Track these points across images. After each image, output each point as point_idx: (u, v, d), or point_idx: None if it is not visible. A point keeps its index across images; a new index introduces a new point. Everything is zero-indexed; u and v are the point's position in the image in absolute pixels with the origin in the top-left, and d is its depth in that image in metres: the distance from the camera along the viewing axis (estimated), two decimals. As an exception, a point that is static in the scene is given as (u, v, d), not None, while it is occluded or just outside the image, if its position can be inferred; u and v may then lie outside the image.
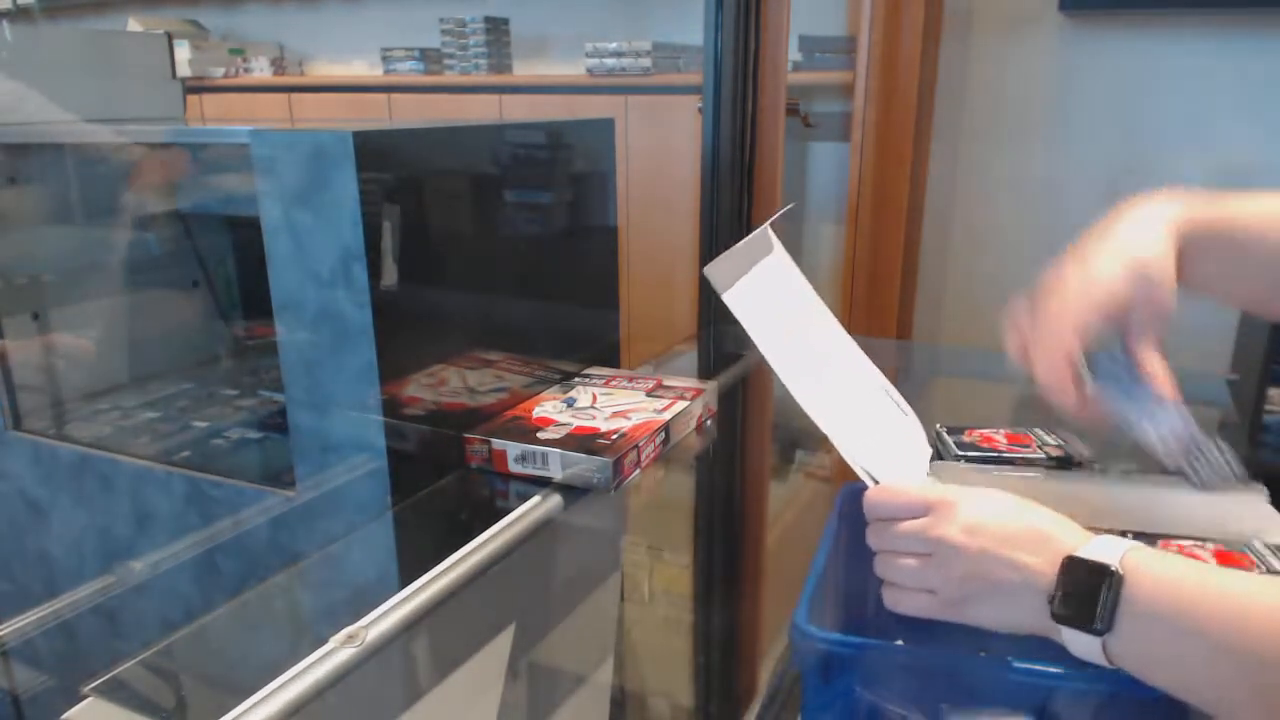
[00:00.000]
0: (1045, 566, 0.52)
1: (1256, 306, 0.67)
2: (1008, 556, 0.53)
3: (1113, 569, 0.49)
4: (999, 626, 0.56)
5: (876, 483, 0.62)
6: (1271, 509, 0.67)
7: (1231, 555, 0.62)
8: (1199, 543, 0.63)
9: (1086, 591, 0.50)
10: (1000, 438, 0.87)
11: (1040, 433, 0.88)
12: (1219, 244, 0.63)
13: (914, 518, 0.58)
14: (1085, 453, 0.82)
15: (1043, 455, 0.82)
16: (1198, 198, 0.64)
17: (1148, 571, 0.49)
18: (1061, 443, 0.85)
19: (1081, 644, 0.51)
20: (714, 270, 0.64)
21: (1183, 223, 0.62)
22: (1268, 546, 0.62)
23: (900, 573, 0.59)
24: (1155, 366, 0.62)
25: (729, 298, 0.64)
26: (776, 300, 0.69)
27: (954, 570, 0.55)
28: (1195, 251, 0.62)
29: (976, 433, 0.88)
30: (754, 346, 0.66)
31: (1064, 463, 0.81)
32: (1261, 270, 0.62)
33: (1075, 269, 0.62)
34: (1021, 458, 0.82)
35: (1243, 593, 0.48)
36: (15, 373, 1.16)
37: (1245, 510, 0.66)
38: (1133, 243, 0.62)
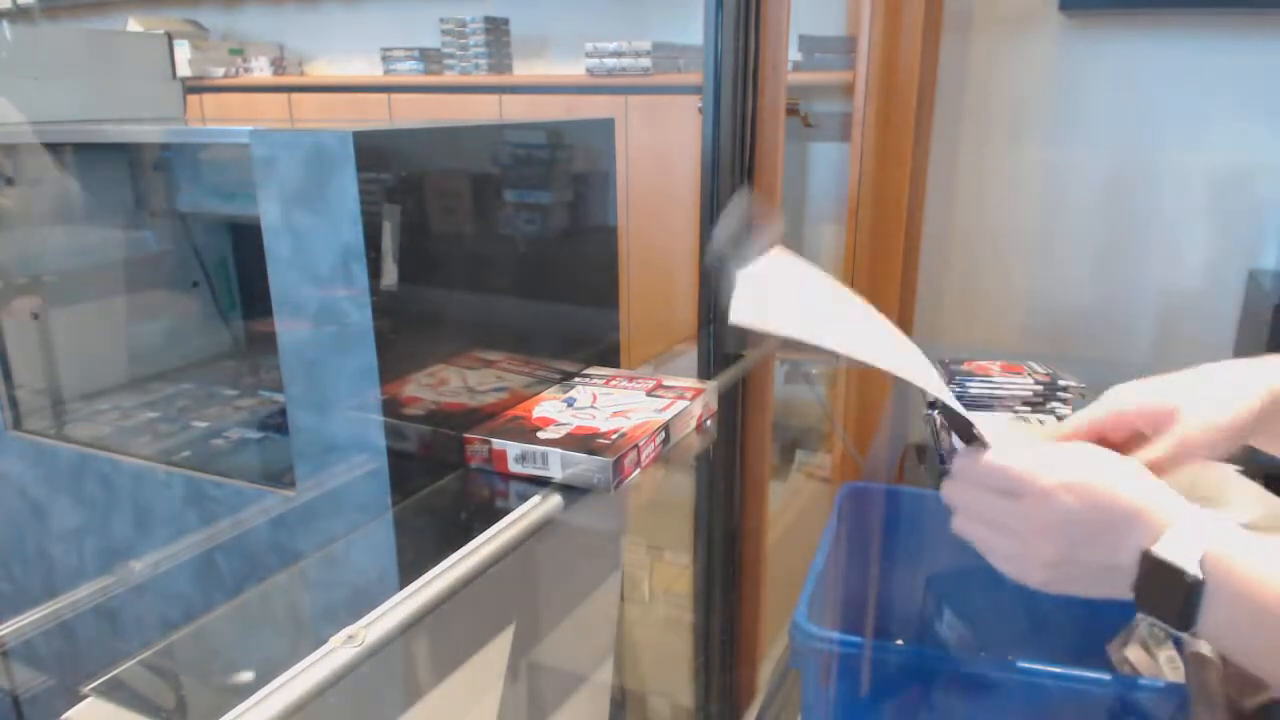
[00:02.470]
0: (1128, 556, 0.51)
1: None
2: (1095, 546, 0.53)
3: (1190, 576, 0.48)
4: (1087, 596, 0.55)
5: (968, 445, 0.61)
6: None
7: None
8: None
9: (1165, 591, 0.49)
10: (995, 368, 0.94)
11: (1034, 365, 0.96)
12: None
13: (1008, 493, 0.57)
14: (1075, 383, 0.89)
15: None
16: None
17: (1231, 573, 0.48)
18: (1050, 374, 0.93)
19: (1168, 629, 0.52)
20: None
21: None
22: None
23: (984, 541, 0.59)
24: None
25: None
26: (790, 298, 0.66)
27: (1039, 555, 0.55)
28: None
29: (974, 364, 0.96)
30: (759, 345, 0.66)
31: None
32: None
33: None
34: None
35: None
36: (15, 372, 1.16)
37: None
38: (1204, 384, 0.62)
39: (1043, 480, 0.55)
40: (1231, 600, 0.48)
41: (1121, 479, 0.54)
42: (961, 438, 0.61)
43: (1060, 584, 0.55)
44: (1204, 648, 0.61)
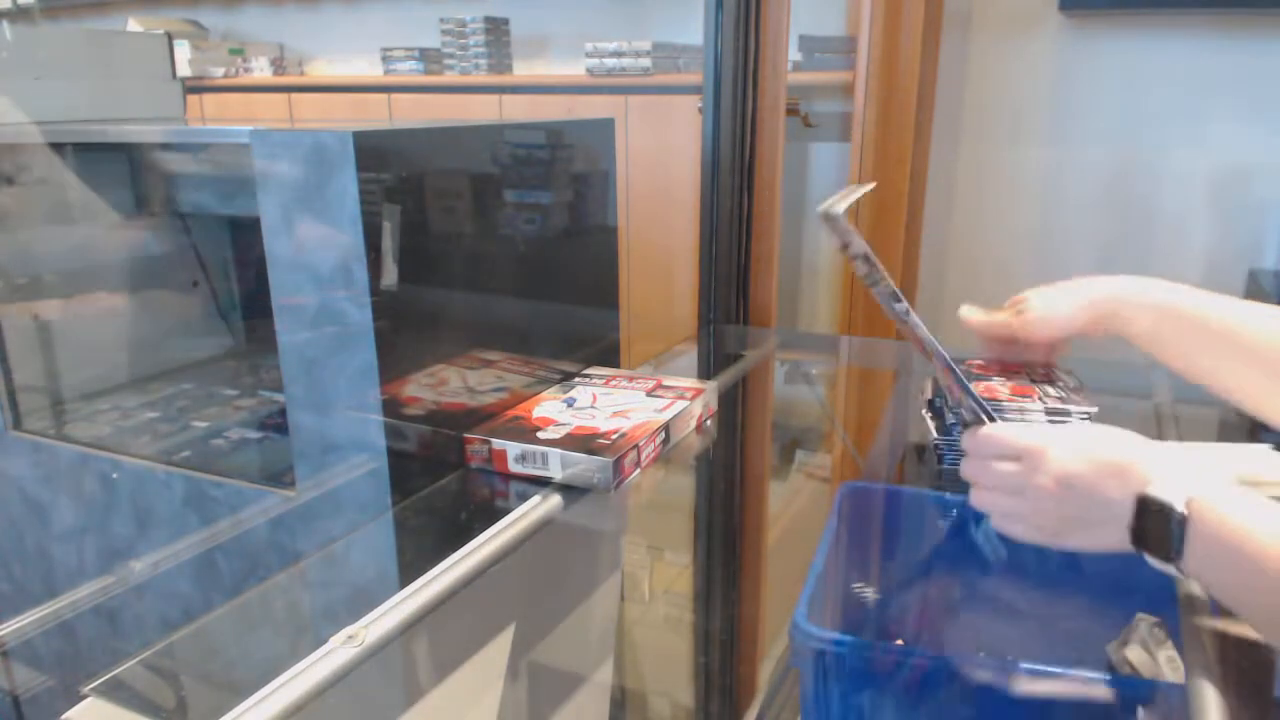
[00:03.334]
0: (1125, 500, 0.59)
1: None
2: (1093, 495, 0.60)
3: (1177, 511, 0.55)
4: (1091, 550, 0.63)
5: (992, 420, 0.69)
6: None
7: None
8: None
9: (1157, 527, 0.56)
10: (995, 367, 0.95)
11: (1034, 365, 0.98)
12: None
13: (1010, 459, 0.65)
14: (1079, 396, 0.90)
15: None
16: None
17: (1212, 514, 0.55)
18: (1063, 382, 0.94)
19: (1160, 564, 0.57)
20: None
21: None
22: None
23: (997, 507, 0.66)
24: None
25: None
26: None
27: (1047, 510, 0.63)
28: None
29: (973, 364, 0.97)
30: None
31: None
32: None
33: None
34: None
35: None
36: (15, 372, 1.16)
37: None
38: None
39: (1038, 440, 0.63)
40: (1209, 537, 0.54)
41: (1112, 438, 0.62)
42: (965, 424, 0.70)
43: (1067, 534, 0.62)
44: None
